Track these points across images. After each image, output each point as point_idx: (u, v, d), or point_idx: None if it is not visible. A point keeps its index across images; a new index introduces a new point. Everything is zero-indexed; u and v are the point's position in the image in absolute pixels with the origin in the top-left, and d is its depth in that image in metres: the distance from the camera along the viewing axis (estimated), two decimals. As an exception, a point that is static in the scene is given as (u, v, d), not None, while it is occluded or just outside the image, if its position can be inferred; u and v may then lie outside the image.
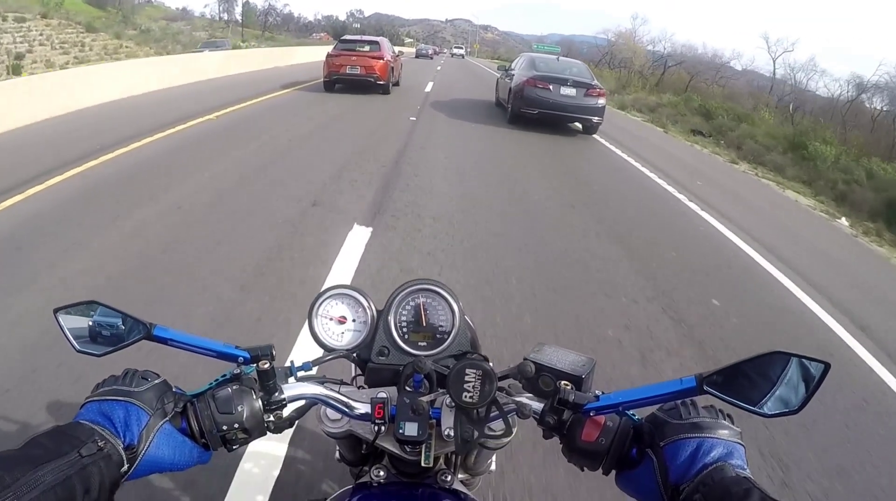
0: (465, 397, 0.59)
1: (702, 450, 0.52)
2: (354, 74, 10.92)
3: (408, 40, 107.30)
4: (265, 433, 0.60)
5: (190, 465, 0.57)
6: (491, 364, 0.61)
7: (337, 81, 11.20)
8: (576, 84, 8.55)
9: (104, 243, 3.17)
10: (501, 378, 0.62)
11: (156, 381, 0.57)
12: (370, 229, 3.71)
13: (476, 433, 0.60)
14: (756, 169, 9.31)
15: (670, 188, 6.30)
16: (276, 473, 1.67)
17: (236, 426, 0.57)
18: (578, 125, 9.18)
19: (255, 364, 0.60)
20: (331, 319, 0.72)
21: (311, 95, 10.74)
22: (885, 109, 26.06)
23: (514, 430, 0.63)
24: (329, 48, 12.29)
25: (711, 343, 2.87)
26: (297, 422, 0.65)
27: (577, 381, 0.60)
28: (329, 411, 0.67)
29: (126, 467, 0.51)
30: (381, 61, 11.10)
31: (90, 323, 0.61)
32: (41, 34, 21.71)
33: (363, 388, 0.71)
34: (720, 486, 0.49)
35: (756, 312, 3.44)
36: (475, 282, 3.11)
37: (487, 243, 3.79)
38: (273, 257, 3.17)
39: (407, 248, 3.49)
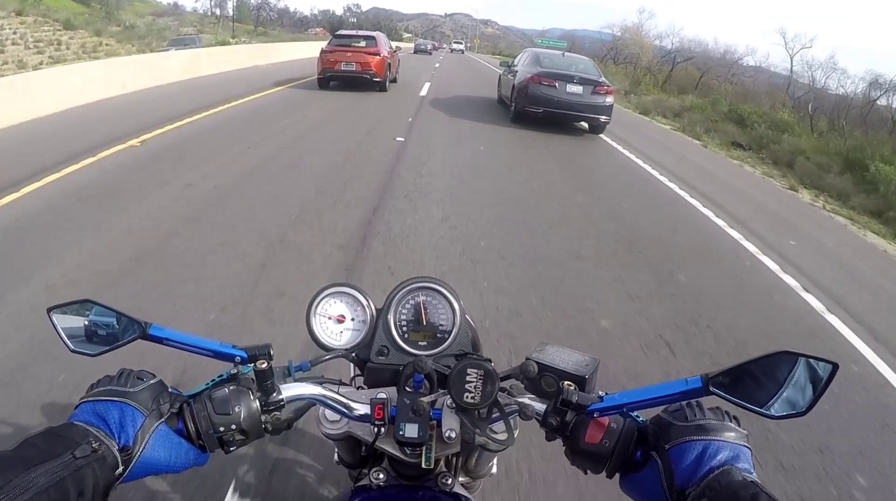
0: (467, 397, 0.60)
1: (708, 453, 0.53)
2: (349, 70, 10.95)
3: (406, 35, 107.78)
4: (263, 435, 0.62)
5: (186, 467, 0.58)
6: (492, 364, 0.62)
7: (331, 78, 11.23)
8: (582, 81, 8.55)
9: None
10: (503, 379, 0.63)
11: (151, 381, 0.58)
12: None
13: (478, 435, 0.62)
14: (819, 197, 7.84)
15: (751, 247, 4.63)
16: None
17: (233, 427, 0.58)
18: (584, 124, 9.19)
19: (252, 364, 0.61)
20: (329, 318, 0.74)
21: (287, 99, 9.67)
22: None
23: (516, 432, 0.64)
24: (323, 44, 12.30)
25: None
26: (294, 424, 0.66)
27: (581, 381, 0.62)
28: (328, 412, 0.69)
29: (121, 469, 0.52)
30: (378, 57, 11.14)
31: (85, 323, 0.63)
32: (14, 33, 21.62)
33: (362, 388, 0.73)
34: (727, 490, 0.50)
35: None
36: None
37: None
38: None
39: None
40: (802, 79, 34.47)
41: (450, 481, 0.73)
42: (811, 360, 0.53)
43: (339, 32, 12.87)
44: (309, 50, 20.69)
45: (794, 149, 10.18)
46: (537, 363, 0.63)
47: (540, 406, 0.63)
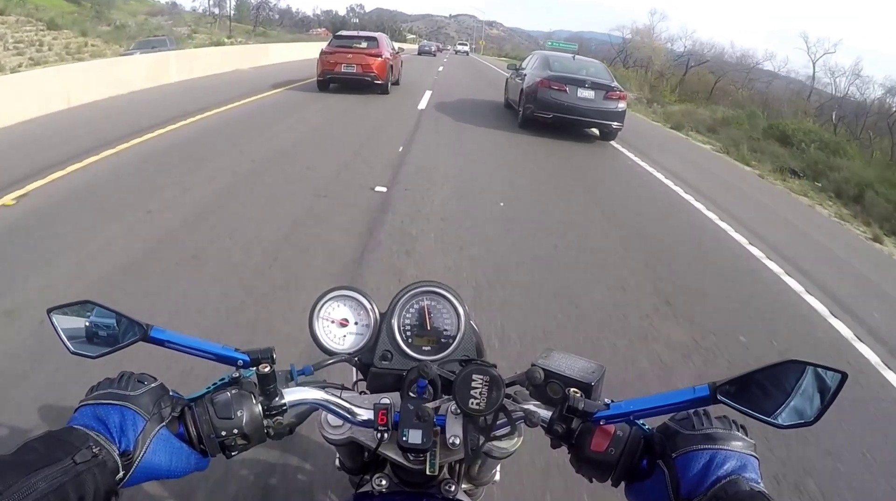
0: (472, 403, 0.62)
1: (715, 463, 0.55)
2: (350, 72, 11.00)
3: (410, 37, 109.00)
4: (265, 440, 0.64)
5: (187, 472, 0.60)
6: (498, 370, 0.64)
7: (331, 80, 11.29)
8: (594, 86, 8.54)
9: None
10: (508, 385, 0.65)
11: (152, 384, 0.60)
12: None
13: (483, 442, 0.64)
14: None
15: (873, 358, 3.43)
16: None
17: (235, 431, 0.60)
18: (595, 131, 9.19)
19: (254, 368, 0.63)
20: (332, 321, 0.76)
21: (260, 114, 8.32)
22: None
23: (521, 438, 0.66)
24: (318, 44, 12.24)
25: None
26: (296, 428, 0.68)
27: (587, 388, 0.64)
28: (330, 417, 0.71)
29: (121, 474, 0.53)
30: (379, 59, 11.19)
31: (86, 324, 0.65)
32: (-6, 34, 21.57)
33: (365, 393, 0.75)
34: (734, 500, 0.52)
35: None
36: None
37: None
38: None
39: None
40: (818, 84, 34.45)
41: (453, 488, 0.75)
42: (819, 369, 0.55)
43: (339, 33, 12.96)
44: (302, 51, 19.98)
45: (857, 178, 8.92)
46: (543, 369, 0.65)
47: (545, 413, 0.64)
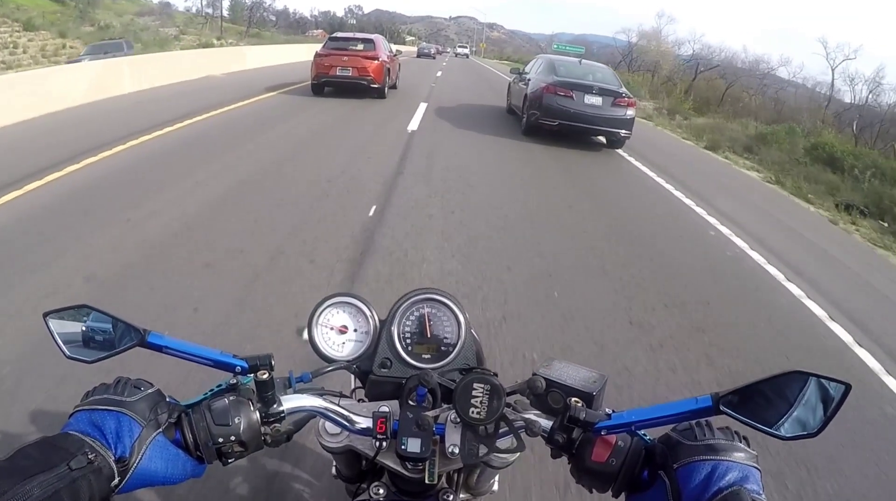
0: (473, 413, 0.65)
1: (717, 474, 0.57)
2: (345, 76, 11.08)
3: (409, 39, 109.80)
4: (262, 447, 0.66)
5: (183, 479, 0.62)
6: (498, 379, 0.67)
7: (326, 84, 11.38)
8: (602, 92, 8.54)
9: None
10: (509, 394, 0.68)
11: (149, 390, 0.62)
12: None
13: (483, 451, 0.66)
14: None
15: None
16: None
17: (232, 438, 0.62)
18: (602, 139, 9.21)
19: (252, 374, 0.66)
20: (331, 328, 0.79)
21: (212, 138, 6.94)
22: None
23: (522, 448, 0.69)
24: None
25: None
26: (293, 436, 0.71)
27: (588, 398, 0.66)
28: (328, 424, 0.74)
29: (117, 480, 0.55)
30: (376, 62, 11.27)
31: (83, 328, 0.67)
32: (-34, 35, 21.30)
33: (363, 401, 0.78)
34: None
35: None
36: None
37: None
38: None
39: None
40: (835, 91, 34.62)
41: (451, 497, 0.77)
42: (823, 380, 0.56)
43: (334, 35, 13.08)
44: (287, 54, 18.88)
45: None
46: (545, 378, 0.67)
47: (546, 423, 0.67)
